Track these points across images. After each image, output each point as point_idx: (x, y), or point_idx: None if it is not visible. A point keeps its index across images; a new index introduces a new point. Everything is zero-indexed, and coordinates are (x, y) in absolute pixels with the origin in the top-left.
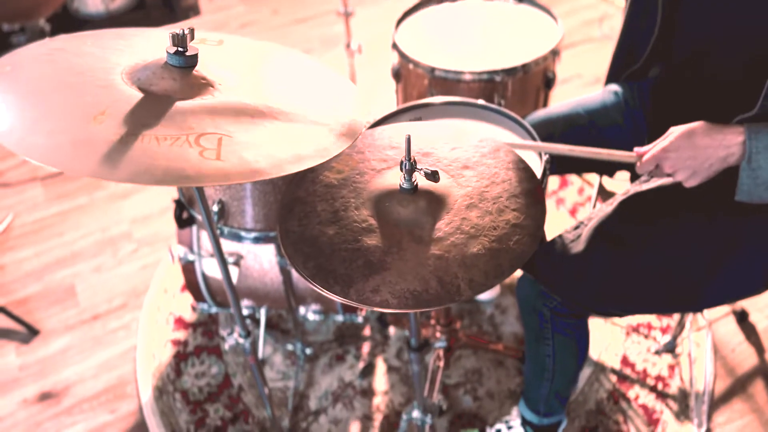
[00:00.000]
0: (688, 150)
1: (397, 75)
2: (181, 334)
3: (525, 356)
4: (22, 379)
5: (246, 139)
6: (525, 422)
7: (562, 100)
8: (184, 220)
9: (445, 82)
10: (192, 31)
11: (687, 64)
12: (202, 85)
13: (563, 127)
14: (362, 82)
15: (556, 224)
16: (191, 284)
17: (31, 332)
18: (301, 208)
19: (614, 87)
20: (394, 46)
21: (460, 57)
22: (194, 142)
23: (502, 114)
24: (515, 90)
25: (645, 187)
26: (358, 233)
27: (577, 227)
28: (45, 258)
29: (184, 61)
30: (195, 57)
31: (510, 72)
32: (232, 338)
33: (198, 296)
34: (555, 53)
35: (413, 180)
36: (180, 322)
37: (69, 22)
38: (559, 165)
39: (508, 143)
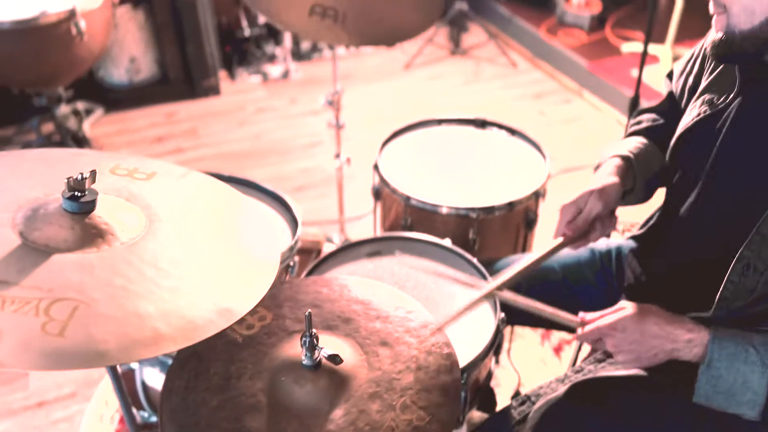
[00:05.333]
0: (635, 334)
1: (377, 194)
2: None
3: None
4: None
5: (108, 309)
6: None
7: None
8: None
9: (420, 211)
10: (93, 173)
11: (669, 239)
12: (91, 236)
13: (534, 280)
14: (346, 195)
15: (535, 365)
16: (130, 392)
17: None
18: (194, 365)
19: (592, 244)
20: (376, 167)
21: (440, 185)
22: (44, 309)
23: (466, 260)
24: (492, 228)
25: (602, 373)
26: (243, 410)
27: (523, 403)
28: None
29: (78, 207)
30: (92, 203)
31: (487, 210)
32: None
33: (137, 404)
34: (538, 195)
35: (315, 356)
36: (125, 423)
37: (93, 88)
38: (511, 316)
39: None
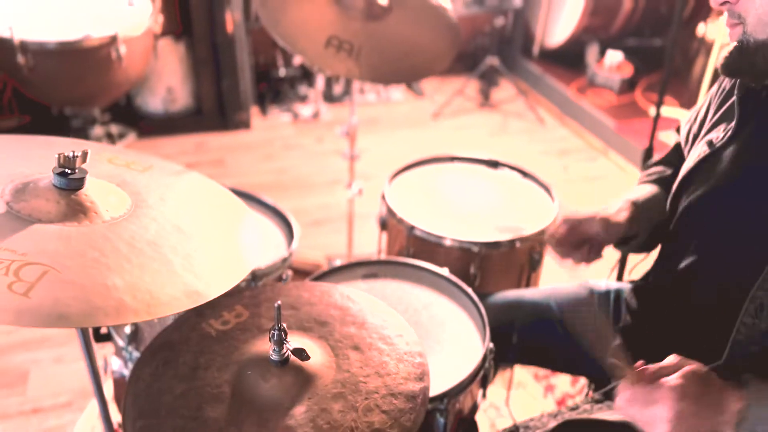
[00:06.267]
0: (695, 402)
1: (384, 224)
2: None
3: None
4: None
5: (77, 277)
6: None
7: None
8: (101, 335)
9: (423, 242)
10: (84, 153)
11: (671, 283)
12: (75, 211)
13: (529, 316)
14: (359, 234)
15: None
16: (119, 400)
17: None
18: (164, 354)
19: (592, 284)
20: (383, 197)
21: (446, 219)
22: (13, 271)
23: (460, 289)
24: (495, 265)
25: (597, 415)
26: (206, 400)
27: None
28: (13, 337)
29: (66, 183)
30: (80, 181)
31: (490, 246)
32: None
33: None
34: (543, 235)
35: (284, 352)
36: None
37: (129, 114)
38: (522, 354)
39: None
